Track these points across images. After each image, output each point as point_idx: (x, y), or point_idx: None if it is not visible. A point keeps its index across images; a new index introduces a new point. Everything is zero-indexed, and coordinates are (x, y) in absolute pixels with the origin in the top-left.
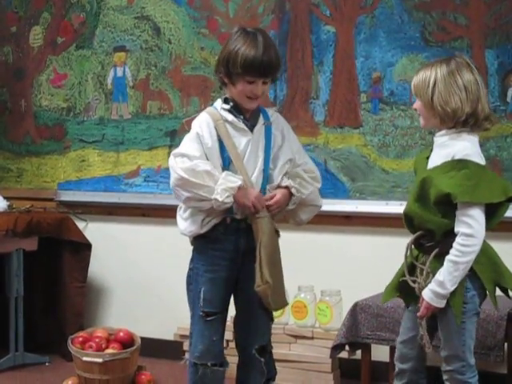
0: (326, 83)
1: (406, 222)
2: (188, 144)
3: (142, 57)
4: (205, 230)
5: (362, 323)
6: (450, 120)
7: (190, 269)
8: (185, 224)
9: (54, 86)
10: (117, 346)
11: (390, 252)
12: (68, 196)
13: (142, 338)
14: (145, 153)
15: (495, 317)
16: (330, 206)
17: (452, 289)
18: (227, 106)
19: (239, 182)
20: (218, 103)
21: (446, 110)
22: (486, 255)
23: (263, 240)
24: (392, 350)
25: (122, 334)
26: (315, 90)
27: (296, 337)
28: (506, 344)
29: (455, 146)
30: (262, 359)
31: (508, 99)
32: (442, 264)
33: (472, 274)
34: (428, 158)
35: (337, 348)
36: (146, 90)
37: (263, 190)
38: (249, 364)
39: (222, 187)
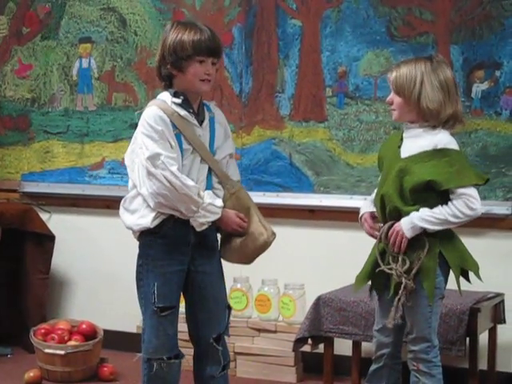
0: (291, 77)
1: (380, 204)
2: (158, 145)
3: (107, 48)
4: (154, 224)
5: (324, 317)
6: (433, 118)
7: (139, 265)
8: (132, 218)
9: (19, 76)
10: (79, 338)
11: (353, 246)
12: (32, 187)
13: (105, 331)
14: (109, 145)
15: (457, 311)
16: (295, 199)
17: (424, 227)
18: (178, 100)
19: (221, 209)
20: (166, 97)
21: (430, 108)
22: (454, 243)
23: (252, 204)
24: (355, 344)
25: (84, 326)
26: (281, 83)
27: (259, 330)
28: (467, 338)
29: (435, 137)
30: (220, 348)
31: (472, 95)
32: (414, 250)
33: (441, 261)
34: (399, 147)
35: (300, 341)
36: (111, 82)
37: (209, 183)
38: (206, 354)
39: (206, 215)
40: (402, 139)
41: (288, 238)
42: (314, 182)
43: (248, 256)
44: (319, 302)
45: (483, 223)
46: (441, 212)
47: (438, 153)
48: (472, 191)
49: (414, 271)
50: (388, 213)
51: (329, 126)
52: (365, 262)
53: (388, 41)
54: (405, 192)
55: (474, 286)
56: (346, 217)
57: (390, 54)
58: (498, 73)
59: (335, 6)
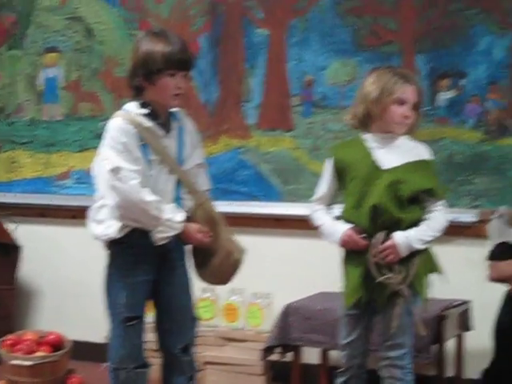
0: (258, 86)
1: (370, 215)
2: (121, 157)
3: (73, 58)
4: (122, 234)
5: (292, 326)
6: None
7: (106, 274)
8: (99, 228)
9: None
10: (47, 349)
11: (321, 255)
12: None
13: (73, 341)
14: (76, 154)
15: (425, 319)
16: (262, 208)
17: (418, 247)
18: (145, 111)
19: (181, 224)
20: (132, 107)
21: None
22: (430, 249)
23: (219, 217)
24: (323, 353)
25: (52, 336)
26: (247, 92)
27: (227, 339)
28: (435, 346)
29: (419, 148)
30: (187, 358)
31: (438, 104)
32: (407, 257)
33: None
34: (371, 156)
35: (268, 350)
36: (77, 92)
37: (177, 194)
38: (173, 364)
39: (165, 230)
40: (366, 147)
41: (255, 247)
42: (280, 190)
43: (222, 278)
44: (287, 311)
45: (450, 231)
46: (430, 229)
47: (423, 163)
48: (445, 203)
49: (410, 278)
50: (381, 223)
51: (295, 134)
52: (348, 276)
53: (354, 50)
54: (400, 201)
55: (441, 293)
56: (313, 225)
57: (357, 63)
58: (463, 81)
59: (302, 16)
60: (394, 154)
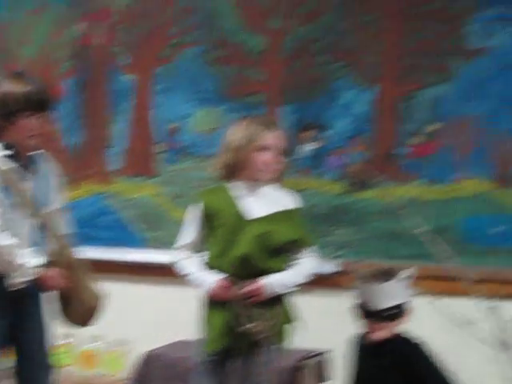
0: (122, 132)
1: (239, 264)
2: None
3: None
4: None
5: (153, 373)
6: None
7: None
8: None
9: None
10: None
11: (182, 302)
12: None
13: None
14: None
15: (281, 369)
16: (124, 255)
17: (283, 291)
18: (9, 152)
19: (36, 270)
20: None
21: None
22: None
23: (79, 263)
24: None
25: None
26: (111, 138)
27: None
28: None
29: (287, 197)
30: None
31: (301, 155)
32: (272, 305)
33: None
34: (237, 205)
35: None
36: None
37: (35, 238)
38: None
39: (20, 275)
40: (231, 196)
41: (117, 293)
42: (143, 237)
43: (81, 322)
44: (147, 359)
45: (311, 281)
46: (295, 274)
47: (291, 213)
48: (315, 251)
49: (271, 328)
50: (249, 272)
51: (159, 181)
52: (210, 322)
53: (220, 99)
54: (268, 250)
55: (299, 343)
56: (176, 272)
57: (222, 112)
58: (325, 134)
59: (168, 63)
60: (262, 203)
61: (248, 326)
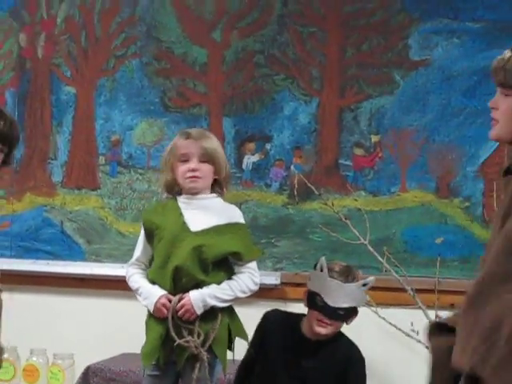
0: (64, 144)
1: (172, 276)
2: None
3: None
4: None
5: None
6: (220, 186)
7: None
8: None
9: None
10: None
11: (124, 315)
12: None
13: None
14: None
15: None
16: (66, 268)
17: (214, 304)
18: None
19: None
20: None
21: (224, 177)
22: (235, 314)
23: None
24: None
25: None
26: (53, 150)
27: None
28: None
29: (230, 210)
30: None
31: (243, 167)
32: (208, 321)
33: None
34: (182, 218)
35: None
36: None
37: None
38: None
39: None
40: (178, 209)
41: (58, 307)
42: (85, 250)
43: None
44: (88, 372)
45: (254, 293)
46: (230, 288)
47: (233, 226)
48: (256, 266)
49: (209, 342)
50: (183, 284)
51: (101, 194)
52: (149, 336)
53: (162, 111)
54: (205, 263)
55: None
56: (118, 286)
57: (164, 124)
58: (268, 145)
59: (110, 75)
60: (205, 215)
61: (181, 340)
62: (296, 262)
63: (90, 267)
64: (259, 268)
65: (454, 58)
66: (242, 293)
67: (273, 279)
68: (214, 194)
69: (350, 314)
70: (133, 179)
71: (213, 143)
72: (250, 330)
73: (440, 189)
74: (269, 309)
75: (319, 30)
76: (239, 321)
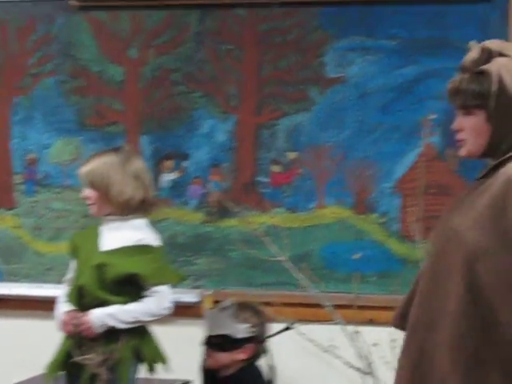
0: None
1: (76, 295)
2: None
3: None
4: None
5: None
6: (125, 208)
7: None
8: None
9: None
10: None
11: (43, 335)
12: None
13: None
14: None
15: None
16: None
17: (113, 325)
18: None
19: None
20: None
21: (121, 200)
22: (147, 336)
23: None
24: None
25: None
26: None
27: None
28: None
29: (138, 232)
30: None
31: (161, 185)
32: (111, 341)
33: (135, 352)
34: (98, 240)
35: None
36: None
37: None
38: None
39: None
40: (99, 232)
41: None
42: (2, 270)
43: None
44: None
45: (172, 311)
46: (134, 310)
47: (142, 248)
48: (166, 290)
49: (110, 362)
50: (86, 303)
51: (18, 213)
52: (56, 351)
53: (78, 129)
54: (106, 283)
55: (163, 373)
56: (36, 306)
57: (80, 143)
58: (185, 163)
59: (26, 94)
60: (116, 236)
61: (80, 357)
62: (215, 279)
63: (8, 287)
64: (178, 286)
65: (369, 74)
66: (147, 316)
67: (192, 297)
68: (131, 216)
69: (229, 343)
70: (50, 198)
71: (93, 166)
72: (169, 347)
73: (357, 205)
74: (187, 326)
75: (236, 47)
76: (154, 343)
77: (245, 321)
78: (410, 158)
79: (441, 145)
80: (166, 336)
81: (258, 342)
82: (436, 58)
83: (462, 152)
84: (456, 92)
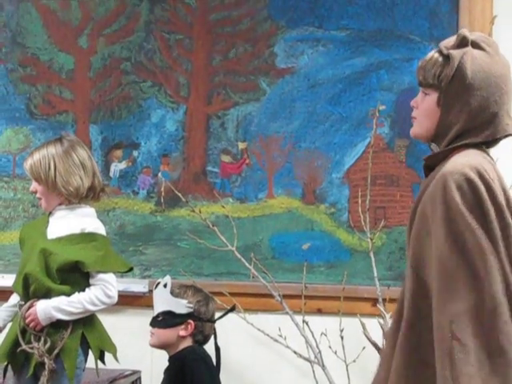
0: None
1: (23, 283)
2: None
3: None
4: None
5: None
6: (74, 197)
7: None
8: None
9: None
10: None
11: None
12: None
13: None
14: None
15: None
16: None
17: (60, 318)
18: None
19: None
20: None
21: (69, 189)
22: (95, 325)
23: None
24: None
25: None
26: None
27: None
28: None
29: (84, 220)
30: None
31: (111, 174)
32: (57, 329)
33: (83, 342)
34: (46, 228)
35: None
36: None
37: None
38: None
39: None
40: (48, 221)
41: None
42: None
43: None
44: None
45: (122, 301)
46: (79, 301)
47: (87, 236)
48: (111, 278)
49: (56, 351)
50: (32, 291)
51: None
52: (3, 340)
53: (27, 118)
54: (52, 271)
55: (112, 363)
56: None
57: (30, 132)
58: (135, 153)
59: None
60: (62, 225)
61: (27, 346)
62: (164, 269)
63: None
64: (127, 276)
65: (319, 65)
66: (93, 305)
67: (141, 287)
68: (78, 205)
69: (170, 319)
70: None
71: (35, 160)
72: (118, 337)
73: (306, 195)
74: (137, 316)
75: (186, 37)
76: (102, 332)
77: (185, 297)
78: (359, 148)
79: (389, 136)
80: (116, 326)
81: (198, 319)
82: (385, 49)
83: (411, 132)
84: (420, 69)
